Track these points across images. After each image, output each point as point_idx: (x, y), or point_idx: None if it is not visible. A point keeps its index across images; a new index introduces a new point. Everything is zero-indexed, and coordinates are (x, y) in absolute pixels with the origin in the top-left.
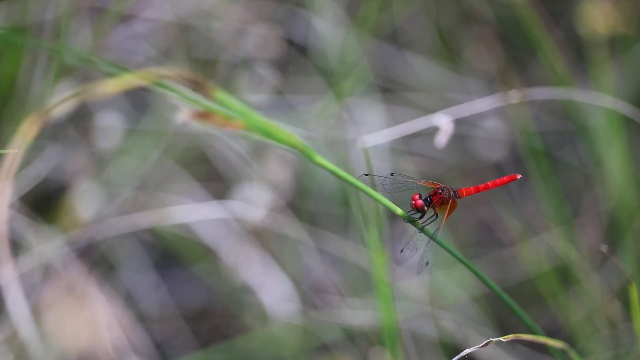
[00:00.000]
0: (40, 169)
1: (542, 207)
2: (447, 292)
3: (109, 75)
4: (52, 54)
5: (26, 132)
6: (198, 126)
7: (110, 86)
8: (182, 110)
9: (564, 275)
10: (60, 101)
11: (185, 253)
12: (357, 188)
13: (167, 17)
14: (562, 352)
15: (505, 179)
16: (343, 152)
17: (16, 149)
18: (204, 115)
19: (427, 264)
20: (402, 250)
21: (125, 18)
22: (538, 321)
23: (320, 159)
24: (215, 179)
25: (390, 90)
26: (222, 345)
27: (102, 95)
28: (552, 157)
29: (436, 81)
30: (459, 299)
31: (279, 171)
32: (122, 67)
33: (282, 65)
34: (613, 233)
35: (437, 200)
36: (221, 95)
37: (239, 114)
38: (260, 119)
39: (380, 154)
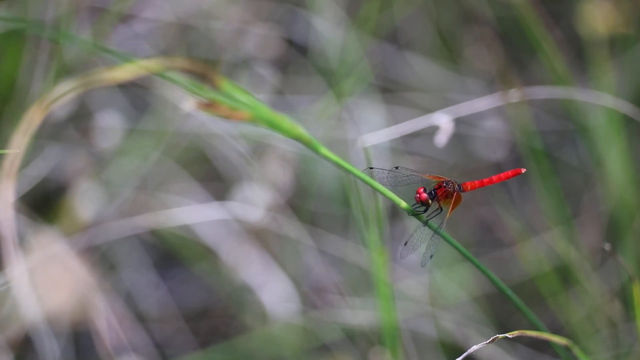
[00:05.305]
0: (40, 169)
1: (542, 207)
2: (447, 292)
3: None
4: (54, 52)
5: (31, 119)
6: (199, 124)
7: (118, 73)
8: (188, 101)
9: (564, 275)
10: (69, 89)
11: (185, 253)
12: (362, 181)
13: (167, 17)
14: (566, 349)
15: (510, 173)
16: (343, 152)
17: (19, 146)
18: (209, 105)
19: (431, 257)
20: (405, 243)
21: (125, 18)
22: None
23: (325, 151)
24: (215, 179)
25: (390, 90)
26: (222, 345)
27: (110, 83)
28: (552, 157)
29: (436, 81)
30: (459, 299)
31: (279, 171)
32: (129, 57)
33: (282, 65)
34: (613, 233)
35: (442, 193)
36: (227, 85)
37: (244, 105)
38: (266, 109)
39: (380, 153)
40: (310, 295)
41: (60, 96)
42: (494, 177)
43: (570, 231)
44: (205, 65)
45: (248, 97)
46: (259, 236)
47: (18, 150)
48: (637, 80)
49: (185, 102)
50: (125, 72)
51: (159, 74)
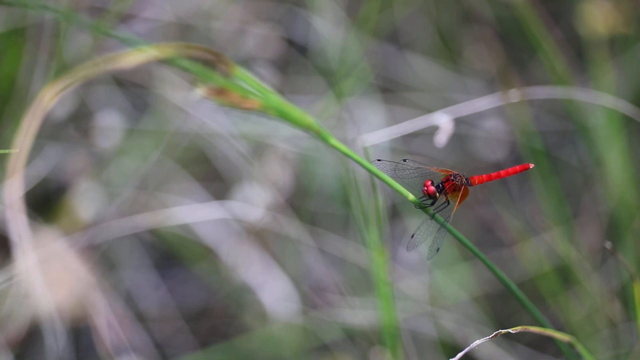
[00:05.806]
0: (40, 169)
1: (542, 207)
2: (447, 292)
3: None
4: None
5: (43, 99)
6: (199, 124)
7: (129, 59)
8: (198, 87)
9: (564, 275)
10: (79, 72)
11: (185, 253)
12: (371, 173)
13: (167, 17)
14: (569, 345)
15: (517, 167)
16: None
17: (27, 131)
18: (220, 91)
19: (437, 250)
20: (412, 236)
21: (125, 18)
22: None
23: (334, 141)
24: (215, 179)
25: (390, 90)
26: (222, 345)
27: (120, 68)
28: (552, 157)
29: (436, 81)
30: (459, 299)
31: (279, 171)
32: (137, 43)
33: (282, 65)
34: (613, 233)
35: (449, 187)
36: (240, 72)
37: (255, 93)
38: (277, 98)
39: (381, 153)
40: (310, 295)
41: (73, 82)
42: (502, 172)
43: (570, 231)
44: (217, 52)
45: (259, 86)
46: (259, 236)
47: (26, 137)
48: (637, 80)
49: (195, 89)
50: (136, 57)
51: (169, 60)
